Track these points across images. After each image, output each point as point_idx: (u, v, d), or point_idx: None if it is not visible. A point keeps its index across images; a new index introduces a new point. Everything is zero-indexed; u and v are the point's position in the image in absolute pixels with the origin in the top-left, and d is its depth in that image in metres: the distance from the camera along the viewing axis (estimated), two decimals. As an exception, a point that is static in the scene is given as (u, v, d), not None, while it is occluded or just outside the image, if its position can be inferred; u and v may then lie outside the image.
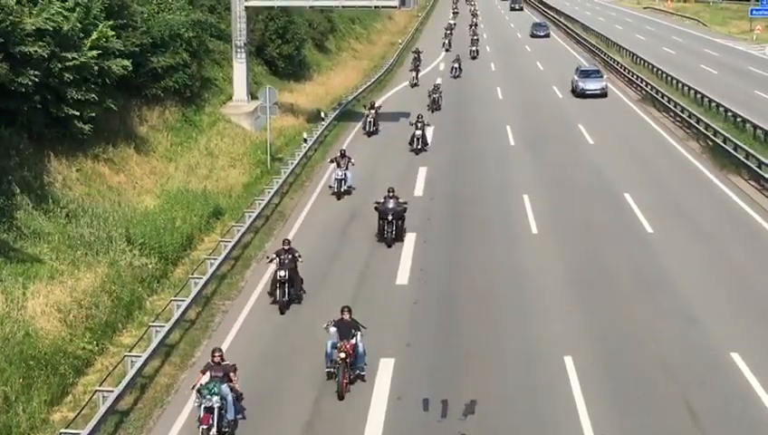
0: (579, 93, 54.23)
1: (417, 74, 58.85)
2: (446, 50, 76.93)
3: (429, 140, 40.19)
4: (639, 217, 29.63)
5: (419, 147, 39.12)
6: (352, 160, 32.95)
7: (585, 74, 56.05)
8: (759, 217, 29.70)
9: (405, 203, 27.51)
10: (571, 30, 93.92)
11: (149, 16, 35.17)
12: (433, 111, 48.38)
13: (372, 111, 43.87)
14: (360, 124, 44.59)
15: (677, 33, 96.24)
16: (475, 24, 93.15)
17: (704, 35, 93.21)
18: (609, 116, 48.53)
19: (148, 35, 34.18)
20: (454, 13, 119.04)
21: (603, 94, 54.18)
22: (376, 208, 27.31)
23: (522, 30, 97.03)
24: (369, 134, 42.82)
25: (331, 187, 32.69)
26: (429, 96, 50.11)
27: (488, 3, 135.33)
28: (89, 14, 28.34)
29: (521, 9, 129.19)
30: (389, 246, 26.71)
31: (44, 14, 25.96)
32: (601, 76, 56.13)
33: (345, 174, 32.39)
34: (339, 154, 33.17)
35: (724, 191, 32.99)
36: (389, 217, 27.04)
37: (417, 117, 40.08)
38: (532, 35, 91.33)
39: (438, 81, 57.86)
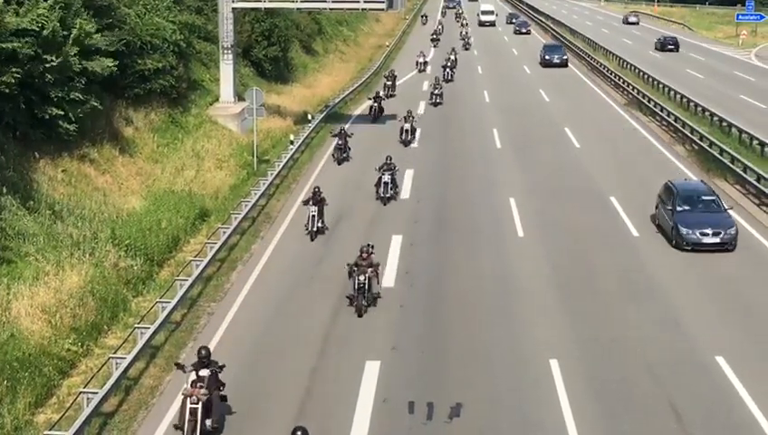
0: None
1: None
2: (373, 118, 47.31)
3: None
4: (625, 220, 29.70)
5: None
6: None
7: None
8: (744, 221, 29.78)
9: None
10: (558, 33, 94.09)
11: (137, 18, 35.07)
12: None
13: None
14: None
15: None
16: (452, 64, 63.30)
17: (690, 40, 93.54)
18: (595, 120, 48.65)
19: (137, 37, 34.11)
20: (433, 39, 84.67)
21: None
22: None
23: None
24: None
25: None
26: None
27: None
28: (68, 12, 28.16)
29: (527, 33, 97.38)
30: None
31: (30, 14, 25.86)
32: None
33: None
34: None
35: (709, 195, 33.05)
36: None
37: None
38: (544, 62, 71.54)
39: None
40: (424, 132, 43.87)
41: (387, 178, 31.71)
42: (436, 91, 52.34)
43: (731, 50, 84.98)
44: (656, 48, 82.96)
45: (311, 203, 28.03)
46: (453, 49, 69.87)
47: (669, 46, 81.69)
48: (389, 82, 55.65)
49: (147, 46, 34.77)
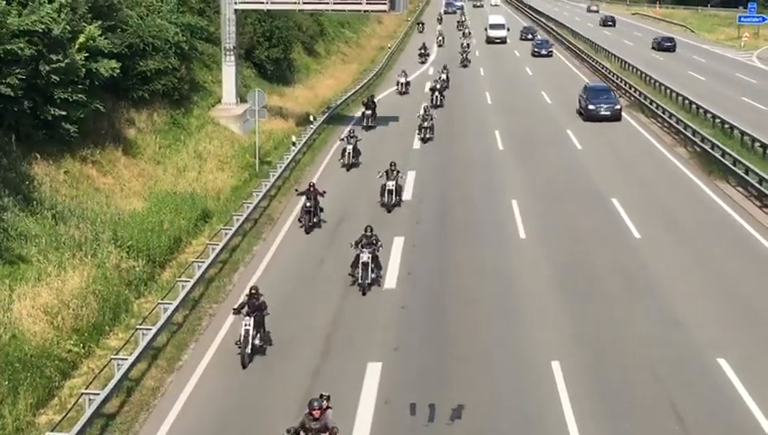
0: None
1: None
2: (347, 165, 37.33)
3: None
4: (627, 222, 29.70)
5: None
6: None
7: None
8: (746, 223, 29.81)
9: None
10: (561, 36, 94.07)
11: (139, 19, 35.12)
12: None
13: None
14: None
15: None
16: (442, 86, 53.70)
17: (692, 42, 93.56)
18: (597, 122, 48.53)
19: (139, 39, 34.16)
20: (421, 54, 73.33)
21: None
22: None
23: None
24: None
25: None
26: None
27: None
28: (75, 15, 28.25)
29: (549, 55, 78.10)
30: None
31: (34, 15, 25.89)
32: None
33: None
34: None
35: (711, 197, 33.10)
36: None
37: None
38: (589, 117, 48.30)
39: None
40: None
41: (366, 257, 23.83)
42: (426, 124, 42.50)
43: (732, 52, 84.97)
44: (599, 24, 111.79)
45: (244, 313, 19.73)
46: (444, 67, 59.48)
47: (609, 23, 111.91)
48: (369, 112, 45.90)
49: (149, 48, 34.81)
